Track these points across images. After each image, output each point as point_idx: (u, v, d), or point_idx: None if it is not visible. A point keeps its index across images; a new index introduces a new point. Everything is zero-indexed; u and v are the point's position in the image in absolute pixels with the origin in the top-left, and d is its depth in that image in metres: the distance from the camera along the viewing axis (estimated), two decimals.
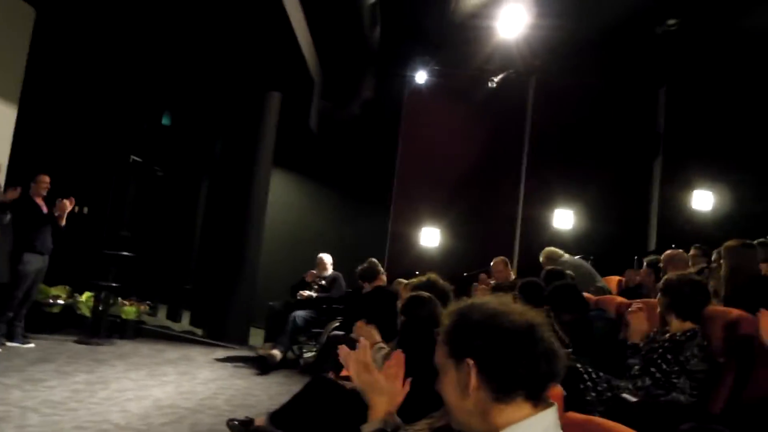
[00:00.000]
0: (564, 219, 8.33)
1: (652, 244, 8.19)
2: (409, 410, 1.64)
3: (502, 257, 5.96)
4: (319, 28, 7.15)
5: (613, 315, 3.86)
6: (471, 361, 1.06)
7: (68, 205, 5.63)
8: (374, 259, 6.06)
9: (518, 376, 1.04)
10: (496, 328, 1.06)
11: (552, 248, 6.34)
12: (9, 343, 5.41)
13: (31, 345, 5.53)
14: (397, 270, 7.64)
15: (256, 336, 7.14)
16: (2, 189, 5.26)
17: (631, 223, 8.43)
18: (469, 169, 8.65)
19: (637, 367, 2.76)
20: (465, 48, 8.25)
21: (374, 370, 1.54)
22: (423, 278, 3.16)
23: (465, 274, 7.06)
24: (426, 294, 2.86)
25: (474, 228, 8.49)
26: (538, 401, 1.06)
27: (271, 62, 6.88)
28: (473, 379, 1.05)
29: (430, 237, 8.57)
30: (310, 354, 6.19)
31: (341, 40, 7.83)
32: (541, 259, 6.26)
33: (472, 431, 1.11)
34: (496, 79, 8.30)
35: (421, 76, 8.67)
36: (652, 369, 2.67)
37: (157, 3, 5.68)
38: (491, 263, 5.97)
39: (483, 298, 1.16)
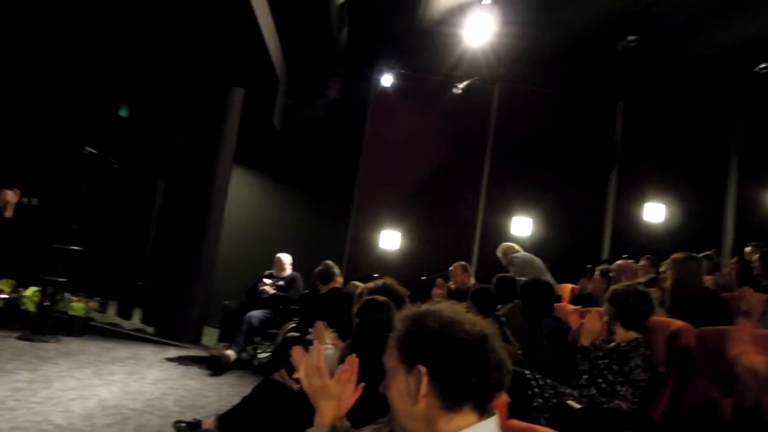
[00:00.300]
0: (523, 226, 8.49)
1: (606, 253, 8.42)
2: (359, 414, 1.64)
3: (461, 262, 6.04)
4: (286, 25, 7.09)
5: (565, 322, 3.95)
6: (423, 369, 1.06)
7: (12, 195, 5.40)
8: (330, 262, 6.03)
9: (469, 386, 1.05)
10: (450, 337, 1.07)
11: (509, 243, 6.52)
12: None
13: None
14: (356, 272, 7.63)
15: (210, 335, 7.01)
16: None
17: (587, 232, 8.66)
18: (431, 173, 8.71)
19: (585, 377, 2.83)
20: (431, 53, 8.31)
21: (326, 375, 1.52)
22: (379, 282, 3.16)
23: (423, 278, 7.09)
24: (383, 298, 2.86)
25: (434, 232, 8.56)
26: (484, 410, 1.07)
27: (235, 57, 6.77)
28: (424, 387, 1.06)
29: (390, 240, 8.59)
30: (264, 355, 6.12)
31: (308, 39, 7.77)
32: (498, 253, 6.42)
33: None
34: (461, 86, 8.40)
35: (387, 79, 8.68)
36: (599, 380, 2.74)
37: None
38: (450, 268, 6.05)
39: (438, 305, 1.16)
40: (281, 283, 6.44)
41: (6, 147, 6.11)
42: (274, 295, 6.24)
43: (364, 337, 2.75)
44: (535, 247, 8.25)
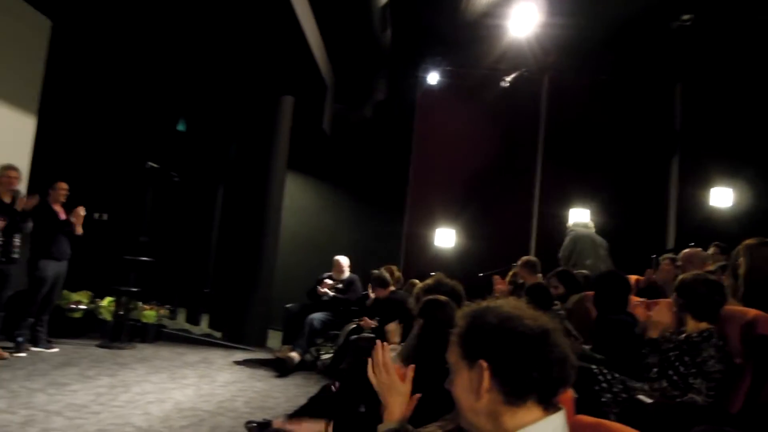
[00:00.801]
0: (580, 217, 8.25)
1: (671, 243, 8.09)
2: (424, 413, 1.66)
3: (527, 257, 5.85)
4: (330, 31, 7.20)
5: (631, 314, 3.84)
6: (484, 364, 1.07)
7: (82, 212, 5.73)
8: (390, 268, 6.11)
9: (531, 381, 1.05)
10: (510, 331, 1.07)
11: (580, 218, 6.42)
12: (33, 348, 5.53)
13: (55, 350, 5.65)
14: (412, 271, 7.66)
15: (274, 338, 7.21)
16: (23, 197, 5.38)
17: (649, 221, 8.34)
18: (483, 169, 8.63)
19: (655, 369, 2.75)
20: (477, 48, 8.24)
21: (392, 372, 1.56)
22: (430, 280, 3.17)
23: (480, 274, 7.04)
24: (444, 297, 2.88)
25: (489, 228, 8.47)
26: (549, 405, 1.07)
27: (283, 67, 6.95)
28: (486, 381, 1.07)
29: (445, 238, 8.56)
30: (327, 356, 6.24)
31: (353, 43, 7.87)
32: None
33: (482, 428, 1.12)
34: (508, 79, 8.28)
35: (433, 77, 8.67)
36: (670, 371, 2.65)
37: (171, 11, 5.77)
38: (518, 263, 5.89)
39: (498, 301, 1.17)
40: (340, 285, 6.54)
41: (76, 167, 6.49)
42: (333, 297, 6.35)
43: (427, 336, 2.77)
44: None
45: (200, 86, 7.48)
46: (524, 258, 5.59)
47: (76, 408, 3.91)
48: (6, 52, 5.53)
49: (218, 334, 7.24)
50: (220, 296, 7.66)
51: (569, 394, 1.50)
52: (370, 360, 1.61)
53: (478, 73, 8.70)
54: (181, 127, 8.49)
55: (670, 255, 5.59)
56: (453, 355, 1.15)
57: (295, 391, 5.10)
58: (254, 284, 7.03)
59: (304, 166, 8.79)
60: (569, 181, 8.38)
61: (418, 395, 1.58)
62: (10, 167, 5.21)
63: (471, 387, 1.10)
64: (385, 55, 8.46)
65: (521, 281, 5.37)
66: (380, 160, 8.87)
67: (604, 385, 2.67)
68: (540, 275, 5.23)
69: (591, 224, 6.54)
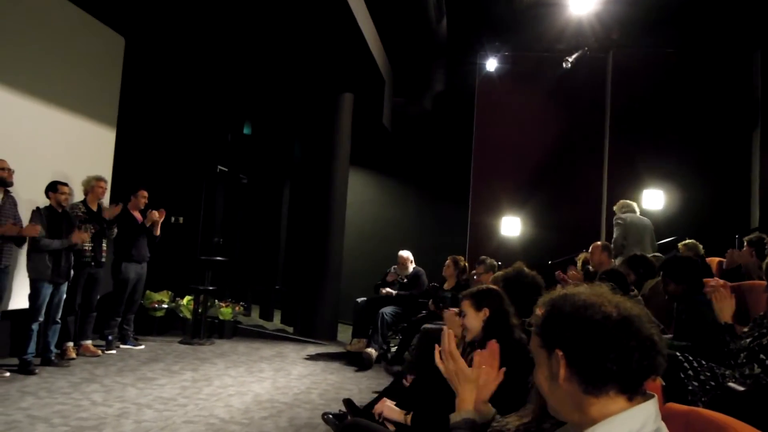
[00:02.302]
0: (654, 199, 7.89)
1: (755, 221, 7.59)
2: (497, 402, 1.66)
3: (600, 242, 5.69)
4: (386, 24, 7.22)
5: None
6: (560, 353, 1.06)
7: (158, 215, 6.06)
8: (456, 258, 6.10)
9: (607, 370, 1.02)
10: (586, 320, 1.05)
11: (627, 201, 6.38)
12: (122, 346, 5.92)
13: (142, 347, 6.02)
14: (477, 260, 7.58)
15: (344, 332, 7.35)
16: (107, 205, 5.75)
17: (730, 199, 7.84)
18: (548, 154, 8.40)
19: (743, 354, 2.60)
20: (535, 29, 8.03)
21: (459, 359, 1.56)
22: (510, 270, 3.12)
23: (549, 262, 6.88)
24: (495, 287, 2.83)
25: (556, 215, 8.25)
26: (634, 394, 1.04)
27: (341, 64, 7.04)
28: (562, 371, 1.05)
29: (510, 226, 8.42)
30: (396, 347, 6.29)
31: (409, 35, 7.86)
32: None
33: (566, 419, 1.11)
34: (570, 59, 8.01)
35: (491, 64, 8.52)
36: (762, 356, 2.50)
37: (231, 20, 5.98)
38: (589, 249, 5.72)
39: (578, 288, 1.14)
40: (405, 280, 6.56)
41: (153, 174, 6.86)
42: (397, 295, 6.37)
43: (492, 326, 2.74)
44: (669, 221, 7.68)
45: (263, 90, 7.71)
46: (598, 242, 5.41)
47: (164, 401, 4.15)
48: (86, 71, 5.91)
49: (290, 329, 7.46)
50: (290, 292, 7.88)
51: (657, 383, 1.44)
52: (436, 348, 1.62)
53: (537, 55, 8.48)
54: (246, 130, 8.78)
55: (754, 235, 5.24)
56: (533, 344, 1.14)
57: (368, 383, 5.19)
58: (322, 279, 7.18)
59: (366, 162, 8.89)
60: (641, 161, 8.02)
61: (503, 369, 1.56)
62: (99, 178, 5.58)
63: (551, 376, 1.09)
64: (441, 45, 8.40)
65: (593, 269, 5.21)
66: (442, 151, 8.83)
67: (690, 372, 2.55)
68: (614, 261, 5.05)
69: (635, 207, 6.29)
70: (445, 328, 1.67)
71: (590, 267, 5.27)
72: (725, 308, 2.77)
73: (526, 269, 3.08)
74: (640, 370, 1.03)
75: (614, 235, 6.14)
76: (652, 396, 1.05)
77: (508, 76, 8.58)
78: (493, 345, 1.61)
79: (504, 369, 1.59)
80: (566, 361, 1.05)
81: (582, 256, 5.87)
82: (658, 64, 8.05)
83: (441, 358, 1.60)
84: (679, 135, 7.91)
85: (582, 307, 1.07)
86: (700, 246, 5.83)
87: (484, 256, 5.96)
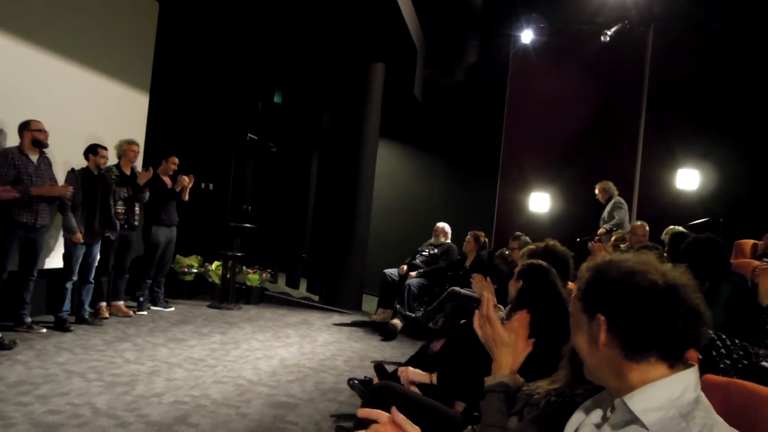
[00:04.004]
0: (689, 180, 7.70)
1: None
2: (526, 373, 1.65)
3: (642, 221, 5.63)
4: None
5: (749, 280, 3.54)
6: (602, 317, 1.05)
7: (187, 180, 6.14)
8: (477, 233, 6.12)
9: (650, 337, 1.01)
10: (631, 286, 1.04)
11: (610, 184, 6.81)
12: (153, 308, 6.08)
13: (172, 309, 6.17)
14: (505, 237, 7.52)
15: (369, 302, 7.41)
16: (140, 170, 5.84)
17: None
18: (580, 130, 8.21)
19: None
20: (573, 2, 7.79)
21: (497, 324, 1.56)
22: (541, 244, 3.08)
23: (578, 239, 6.79)
24: (544, 263, 2.81)
25: (586, 192, 8.08)
26: (675, 362, 1.03)
27: (374, 33, 6.94)
28: (603, 336, 1.05)
29: (539, 202, 8.32)
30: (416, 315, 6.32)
31: (443, 5, 7.70)
32: (598, 189, 6.91)
33: (605, 384, 1.10)
34: (609, 32, 7.76)
35: (527, 36, 8.32)
36: None
37: None
38: (631, 226, 5.66)
39: (624, 255, 1.13)
40: (435, 251, 6.56)
41: (185, 140, 6.92)
42: (423, 272, 6.35)
43: (526, 299, 2.73)
44: (704, 201, 7.50)
45: (294, 59, 7.67)
46: (636, 222, 5.36)
47: (194, 361, 4.26)
48: (120, 35, 5.94)
49: (316, 298, 7.55)
50: (316, 261, 7.96)
51: (693, 355, 1.42)
52: (476, 313, 1.61)
53: (574, 28, 8.23)
54: (277, 99, 8.78)
55: None
56: (574, 309, 1.13)
57: (392, 351, 5.24)
58: (348, 250, 7.22)
59: (396, 133, 8.82)
60: (677, 141, 7.81)
61: (532, 339, 1.56)
62: (131, 142, 5.66)
63: (591, 341, 1.08)
64: (476, 16, 8.21)
65: (624, 247, 5.13)
66: (472, 124, 8.70)
67: (723, 351, 2.50)
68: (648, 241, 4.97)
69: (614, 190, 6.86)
70: (485, 293, 1.66)
71: (622, 246, 5.19)
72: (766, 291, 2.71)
73: (560, 247, 3.04)
74: (683, 339, 1.02)
75: (617, 217, 6.48)
76: (693, 365, 1.04)
77: (544, 49, 8.37)
78: (522, 315, 1.60)
79: (533, 340, 1.59)
80: (607, 326, 1.04)
81: (615, 235, 5.78)
82: (701, 39, 7.75)
83: (479, 323, 1.60)
84: (717, 114, 7.65)
85: (627, 273, 1.05)
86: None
87: (519, 232, 5.93)
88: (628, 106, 8.23)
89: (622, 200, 6.71)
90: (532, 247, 3.13)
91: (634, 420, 1.00)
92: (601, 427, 1.09)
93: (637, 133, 8.21)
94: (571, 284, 3.88)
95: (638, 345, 1.02)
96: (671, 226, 5.73)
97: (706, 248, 3.34)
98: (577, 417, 1.18)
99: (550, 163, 8.33)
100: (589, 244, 6.08)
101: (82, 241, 4.91)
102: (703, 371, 2.26)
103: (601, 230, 6.56)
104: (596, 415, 1.13)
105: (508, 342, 1.54)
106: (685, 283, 1.04)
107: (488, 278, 3.30)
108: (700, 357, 1.70)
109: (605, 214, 6.72)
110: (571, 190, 8.20)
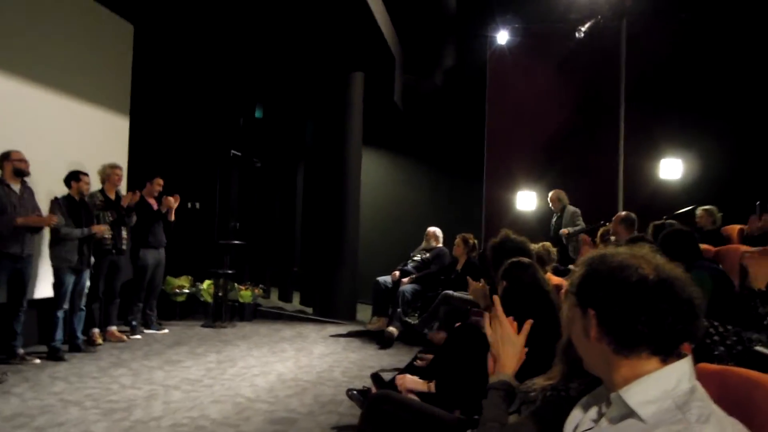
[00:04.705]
0: (672, 168, 7.79)
1: None
2: (520, 372, 1.67)
3: (624, 213, 5.57)
4: (395, 1, 7.13)
5: (720, 265, 3.60)
6: (592, 312, 1.06)
7: (173, 201, 6.11)
8: (465, 236, 6.10)
9: (637, 333, 1.01)
10: (620, 280, 1.04)
11: (562, 193, 7.13)
12: (147, 331, 6.03)
13: (166, 331, 6.12)
14: (494, 236, 7.55)
15: (363, 311, 7.40)
16: (124, 193, 5.80)
17: (752, 166, 7.69)
18: (562, 127, 8.30)
19: None
20: (545, 0, 7.88)
21: (506, 324, 1.57)
22: (497, 237, 3.13)
23: (565, 233, 6.84)
24: (527, 259, 2.83)
25: (572, 188, 8.14)
26: (668, 356, 1.02)
27: (350, 43, 6.98)
28: (594, 330, 1.05)
29: (526, 200, 8.37)
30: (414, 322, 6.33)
31: (417, 10, 7.75)
32: (552, 197, 7.12)
33: (600, 376, 1.11)
34: (583, 29, 7.87)
35: (502, 37, 8.41)
36: None
37: (235, 2, 5.93)
38: (613, 219, 5.62)
39: (619, 248, 1.12)
40: (427, 255, 6.57)
41: (168, 161, 6.89)
42: (416, 278, 6.35)
43: (511, 298, 2.74)
44: (687, 189, 7.60)
45: (273, 73, 7.68)
46: (620, 213, 5.32)
47: (191, 382, 4.23)
48: (96, 59, 5.91)
49: (309, 310, 7.52)
50: (308, 274, 7.94)
51: (687, 345, 1.42)
52: (486, 315, 1.63)
53: (549, 26, 8.33)
54: (258, 114, 8.77)
55: None
56: (569, 302, 1.14)
57: (389, 360, 5.24)
58: (339, 260, 7.22)
59: (379, 141, 8.85)
60: (658, 131, 7.90)
61: (526, 349, 1.58)
62: (114, 166, 5.62)
63: (584, 335, 1.09)
64: (451, 20, 8.29)
65: (614, 239, 5.15)
66: (455, 127, 8.76)
67: (716, 338, 2.53)
68: (636, 232, 4.99)
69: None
70: (495, 297, 1.67)
71: (612, 239, 5.22)
72: (761, 275, 2.74)
73: (512, 235, 3.09)
74: (673, 334, 1.01)
75: (578, 228, 6.72)
76: (686, 355, 1.04)
77: (520, 49, 8.46)
78: (511, 322, 1.61)
79: (527, 349, 1.60)
80: (597, 321, 1.05)
81: (602, 229, 5.82)
82: (673, 30, 7.86)
83: (490, 323, 1.61)
84: (696, 103, 7.75)
85: (618, 268, 1.05)
86: (718, 212, 5.80)
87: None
88: (607, 99, 8.33)
89: (576, 209, 6.94)
90: (492, 241, 3.16)
91: (630, 413, 1.00)
92: (598, 422, 1.09)
93: (617, 126, 8.30)
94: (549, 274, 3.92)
95: (627, 340, 1.02)
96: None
97: (677, 238, 3.41)
98: (576, 413, 1.18)
99: (535, 161, 8.40)
100: (582, 237, 6.15)
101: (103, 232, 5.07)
102: (697, 360, 2.29)
103: (564, 231, 6.70)
104: (594, 410, 1.13)
105: (515, 342, 1.55)
106: (679, 277, 1.04)
107: (482, 280, 3.32)
108: (693, 346, 1.72)
109: (562, 221, 6.90)
110: (556, 187, 8.25)
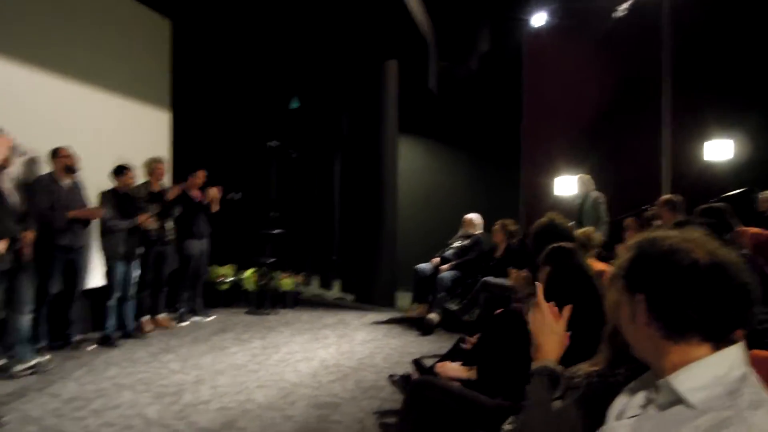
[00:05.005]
0: (720, 150, 7.50)
1: None
2: (564, 358, 1.66)
3: (668, 196, 5.39)
4: None
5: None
6: (641, 297, 1.04)
7: (216, 192, 6.26)
8: (504, 222, 6.03)
9: (689, 319, 0.99)
10: (671, 264, 1.01)
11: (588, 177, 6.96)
12: (193, 318, 6.22)
13: (211, 318, 6.30)
14: (532, 220, 7.46)
15: (403, 299, 7.45)
16: (167, 186, 5.97)
17: None
18: (601, 109, 8.09)
19: None
20: None
21: (548, 311, 1.57)
22: (544, 219, 3.08)
23: (607, 220, 6.70)
24: (570, 243, 2.80)
25: (613, 172, 7.96)
26: (720, 342, 1.00)
27: (384, 31, 6.96)
28: (642, 316, 1.04)
29: (564, 186, 8.22)
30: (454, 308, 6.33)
31: None
32: (578, 182, 6.97)
33: (647, 362, 1.10)
34: (623, 7, 7.62)
35: (539, 18, 8.22)
36: None
37: None
38: (656, 203, 5.45)
39: (670, 231, 1.09)
40: (466, 242, 6.56)
41: (209, 153, 7.04)
42: (455, 264, 6.33)
43: (555, 284, 2.72)
44: (737, 171, 7.31)
45: (308, 64, 7.73)
46: (664, 197, 5.15)
47: (237, 367, 4.36)
48: (136, 56, 6.08)
49: (350, 297, 7.62)
50: (348, 262, 8.02)
51: (739, 331, 1.39)
52: (527, 302, 1.63)
53: (586, 6, 8.10)
54: (294, 104, 8.85)
55: None
56: (617, 286, 1.12)
57: (429, 346, 5.26)
58: (378, 248, 7.27)
59: (415, 128, 8.83)
60: (704, 110, 7.60)
61: (568, 334, 1.57)
62: (158, 160, 5.80)
63: (632, 319, 1.07)
64: (485, 3, 8.16)
65: (658, 224, 5.01)
66: (491, 112, 8.66)
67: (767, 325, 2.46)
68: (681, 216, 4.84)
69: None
70: (537, 284, 1.67)
71: (656, 223, 5.08)
72: None
73: (557, 219, 3.04)
74: (725, 321, 0.99)
75: (602, 215, 6.54)
76: (739, 340, 1.02)
77: (557, 31, 8.27)
78: (552, 308, 1.61)
79: (569, 334, 1.59)
80: (646, 306, 1.03)
81: (648, 213, 5.67)
82: (718, 4, 7.53)
83: (533, 310, 1.62)
84: (745, 80, 7.42)
85: (669, 251, 1.03)
86: None
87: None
88: (649, 79, 8.06)
89: (600, 194, 6.75)
90: (537, 224, 3.12)
91: (679, 400, 0.98)
92: (646, 408, 1.07)
93: (659, 107, 8.04)
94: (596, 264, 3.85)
95: (677, 326, 1.00)
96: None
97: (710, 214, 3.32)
98: (621, 399, 1.17)
99: (573, 145, 8.23)
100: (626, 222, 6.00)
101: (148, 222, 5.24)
102: (750, 346, 2.24)
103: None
104: (641, 396, 1.11)
105: (556, 330, 1.55)
106: (733, 262, 1.00)
107: (525, 269, 3.29)
108: (746, 331, 1.67)
109: (585, 207, 6.76)
110: (596, 171, 8.06)
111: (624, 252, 1.12)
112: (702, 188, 6.87)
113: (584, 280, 2.38)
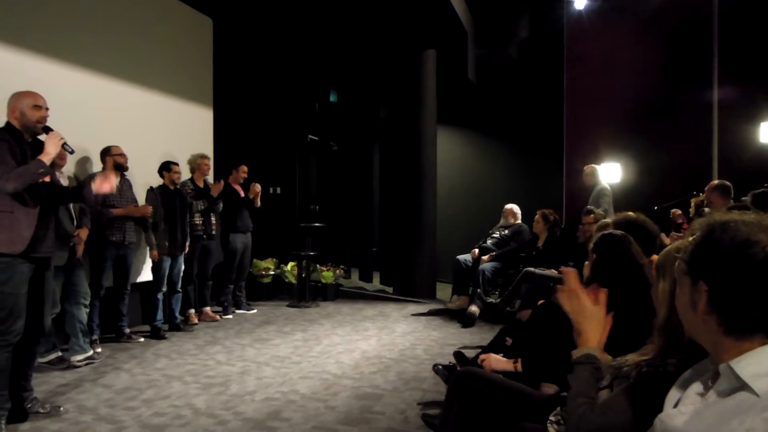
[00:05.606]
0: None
1: None
2: (611, 348, 1.61)
3: (718, 181, 5.14)
4: None
5: None
6: (704, 287, 0.97)
7: (259, 187, 6.36)
8: (544, 212, 5.93)
9: (754, 317, 0.92)
10: (743, 258, 0.93)
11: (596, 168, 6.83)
12: (237, 311, 6.36)
13: (255, 311, 6.43)
14: (575, 210, 7.29)
15: (443, 290, 7.41)
16: (212, 182, 6.10)
17: None
18: (648, 92, 7.79)
19: None
20: None
21: (583, 296, 1.53)
22: (622, 216, 2.98)
23: (656, 208, 6.47)
24: (619, 232, 2.71)
25: (660, 158, 7.68)
26: None
27: (422, 21, 6.90)
28: (702, 305, 0.97)
29: (609, 173, 7.98)
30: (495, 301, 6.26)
31: None
32: (586, 171, 6.76)
33: (709, 349, 1.03)
34: None
35: (580, 2, 7.98)
36: None
37: None
38: (706, 189, 5.22)
39: (747, 214, 0.99)
40: (506, 232, 6.47)
41: (250, 148, 7.17)
42: (496, 255, 6.26)
43: (601, 271, 2.65)
44: None
45: (346, 56, 7.75)
46: (715, 182, 4.94)
47: (280, 359, 4.43)
48: (179, 54, 6.22)
49: (390, 289, 7.63)
50: (387, 254, 8.04)
51: None
52: (560, 287, 1.59)
53: None
54: (332, 98, 8.90)
55: None
56: (678, 268, 1.05)
57: (471, 338, 5.23)
58: (417, 239, 7.25)
59: (454, 118, 8.73)
60: (758, 90, 7.24)
61: (609, 316, 1.52)
62: (203, 156, 5.94)
63: (691, 305, 1.01)
64: None
65: (709, 211, 4.81)
66: (531, 100, 8.47)
67: None
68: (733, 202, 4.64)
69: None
70: (565, 269, 1.63)
71: (706, 210, 4.87)
72: None
73: (643, 217, 2.92)
74: None
75: (604, 206, 6.17)
76: None
77: (599, 13, 8.00)
78: (598, 292, 1.56)
79: (611, 314, 1.54)
80: (708, 297, 0.96)
81: (695, 200, 5.46)
82: None
83: (565, 296, 1.57)
84: None
85: (744, 243, 0.94)
86: None
87: (590, 207, 5.60)
88: (698, 59, 7.72)
89: (606, 187, 6.52)
90: (615, 220, 3.00)
91: (742, 386, 0.92)
92: (705, 396, 1.01)
93: (711, 90, 7.70)
94: (654, 257, 3.71)
95: (740, 323, 0.94)
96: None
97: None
98: (676, 389, 1.11)
99: (619, 130, 7.97)
100: (673, 211, 5.79)
101: (157, 258, 5.19)
102: None
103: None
104: (698, 385, 1.05)
105: (594, 315, 1.50)
106: None
107: (570, 264, 3.22)
108: None
109: (591, 199, 6.50)
110: (642, 158, 7.81)
111: (691, 231, 1.04)
112: (756, 172, 6.56)
113: (632, 269, 2.30)
